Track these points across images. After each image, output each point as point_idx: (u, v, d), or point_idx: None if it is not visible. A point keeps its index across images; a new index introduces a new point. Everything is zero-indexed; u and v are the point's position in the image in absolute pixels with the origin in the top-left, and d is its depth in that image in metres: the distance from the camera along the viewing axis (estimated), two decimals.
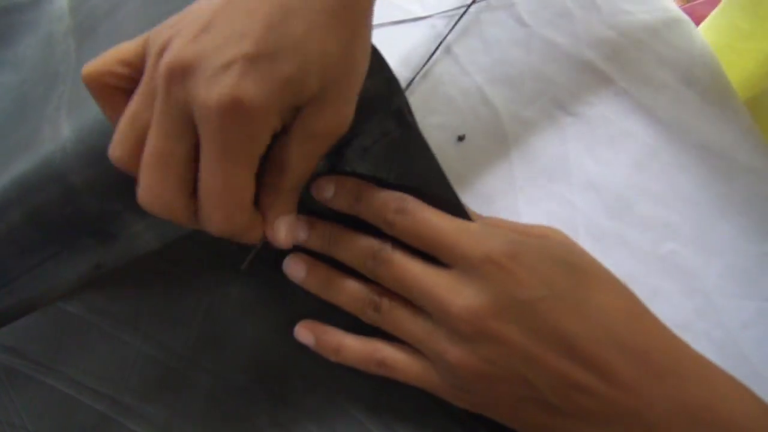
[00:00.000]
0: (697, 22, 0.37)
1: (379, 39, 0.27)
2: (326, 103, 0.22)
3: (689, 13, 0.38)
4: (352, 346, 0.26)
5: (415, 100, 0.28)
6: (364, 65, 0.24)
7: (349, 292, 0.26)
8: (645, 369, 0.23)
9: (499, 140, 0.33)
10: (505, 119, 0.34)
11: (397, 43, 0.36)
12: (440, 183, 0.26)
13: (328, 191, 0.26)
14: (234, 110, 0.20)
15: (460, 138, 0.33)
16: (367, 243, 0.26)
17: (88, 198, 0.25)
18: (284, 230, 0.24)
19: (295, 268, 0.26)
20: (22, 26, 0.32)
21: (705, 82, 0.34)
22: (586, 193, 0.32)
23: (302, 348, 0.26)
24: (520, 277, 0.23)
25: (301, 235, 0.26)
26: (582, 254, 0.25)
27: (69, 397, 0.25)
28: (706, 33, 0.41)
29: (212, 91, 0.19)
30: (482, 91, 0.34)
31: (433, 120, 0.33)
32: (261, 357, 0.26)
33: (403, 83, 0.31)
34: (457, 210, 0.26)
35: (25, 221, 0.25)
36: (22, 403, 0.24)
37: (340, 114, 0.23)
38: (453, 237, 0.24)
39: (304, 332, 0.26)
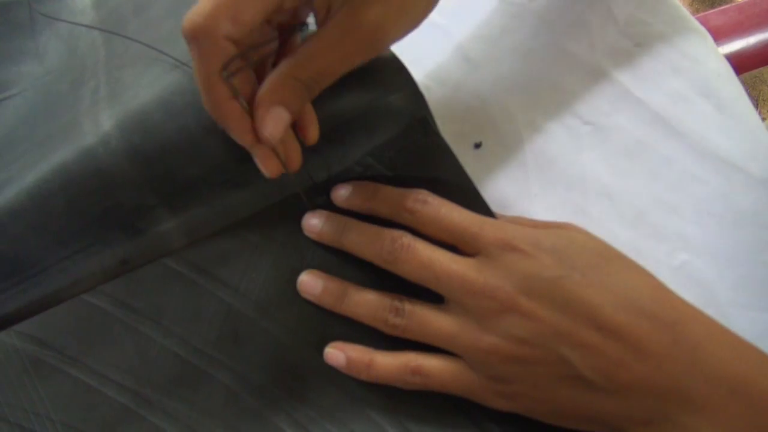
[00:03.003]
0: (711, 32, 0.37)
1: (395, 44, 0.28)
2: (384, 1, 0.21)
3: (703, 22, 0.38)
4: (383, 361, 0.25)
5: (433, 107, 0.29)
6: None
7: (368, 303, 0.26)
8: (676, 339, 0.23)
9: (516, 148, 0.34)
10: (522, 127, 0.34)
11: (412, 49, 0.36)
12: (466, 188, 0.27)
13: (344, 191, 0.27)
14: None
15: (477, 145, 0.34)
16: (384, 230, 0.26)
17: (127, 192, 0.26)
18: (271, 122, 0.22)
19: (309, 285, 0.26)
20: (42, 18, 0.33)
21: (721, 94, 0.35)
22: (601, 202, 0.33)
23: (320, 348, 0.27)
24: (543, 260, 0.24)
25: (314, 222, 0.26)
26: (601, 241, 0.26)
27: (93, 388, 0.25)
28: None
29: None
30: (499, 98, 0.35)
31: (450, 127, 0.34)
32: (280, 356, 0.26)
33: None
34: (485, 213, 0.27)
35: (65, 211, 0.26)
36: (47, 393, 0.25)
37: (392, 21, 0.22)
38: (476, 227, 0.25)
39: (334, 353, 0.26)
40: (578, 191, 0.33)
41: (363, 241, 0.26)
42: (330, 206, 0.27)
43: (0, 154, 0.29)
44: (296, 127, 0.25)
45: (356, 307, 0.26)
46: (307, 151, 0.26)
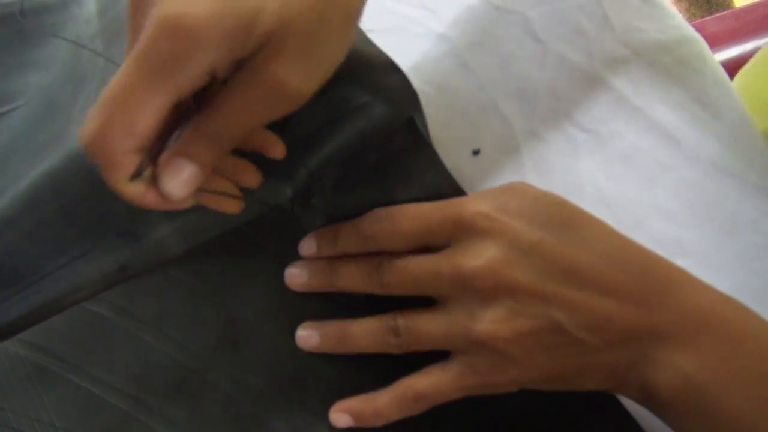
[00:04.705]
0: (708, 38, 0.37)
1: (393, 50, 0.28)
2: (285, 54, 0.20)
3: (699, 29, 0.38)
4: (383, 403, 0.25)
5: (431, 113, 0.29)
6: (339, 40, 0.21)
7: (366, 332, 0.26)
8: (648, 283, 0.24)
9: (514, 155, 0.34)
10: (520, 134, 0.35)
11: (411, 55, 0.37)
12: (451, 190, 0.27)
13: (310, 245, 0.27)
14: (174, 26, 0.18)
15: (475, 152, 0.34)
16: (368, 260, 0.26)
17: (120, 198, 0.26)
18: (174, 177, 0.20)
19: (306, 337, 0.27)
20: (50, 28, 0.33)
21: (717, 102, 0.35)
22: (598, 208, 0.33)
23: (319, 354, 0.27)
24: (513, 226, 0.24)
25: (304, 275, 0.27)
26: (561, 197, 0.26)
27: (94, 395, 0.25)
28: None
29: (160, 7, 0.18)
30: (497, 105, 0.35)
31: (448, 134, 0.34)
32: (279, 361, 0.27)
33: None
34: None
35: (60, 218, 0.26)
36: (50, 400, 0.25)
37: (296, 73, 0.20)
38: (439, 213, 0.25)
39: (341, 417, 0.26)
40: (576, 198, 0.33)
41: (353, 277, 0.26)
42: (321, 209, 0.27)
43: (2, 164, 0.29)
44: (260, 149, 0.25)
45: (358, 341, 0.26)
46: (286, 161, 0.26)
